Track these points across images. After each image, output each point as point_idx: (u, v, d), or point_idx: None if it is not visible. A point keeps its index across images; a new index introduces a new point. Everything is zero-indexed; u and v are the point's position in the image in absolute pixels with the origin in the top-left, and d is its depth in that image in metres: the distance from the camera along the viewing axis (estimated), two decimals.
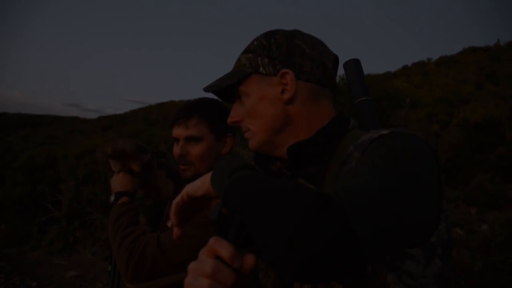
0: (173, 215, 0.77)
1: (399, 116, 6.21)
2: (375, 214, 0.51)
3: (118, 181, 1.34)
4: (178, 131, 1.30)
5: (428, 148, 0.67)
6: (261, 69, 0.84)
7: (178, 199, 0.77)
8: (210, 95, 0.97)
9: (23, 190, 6.63)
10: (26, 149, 10.49)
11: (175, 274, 1.13)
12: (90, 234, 5.75)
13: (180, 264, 1.11)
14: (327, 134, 0.81)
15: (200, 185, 0.75)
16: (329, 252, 0.46)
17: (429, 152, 0.66)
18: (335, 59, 0.89)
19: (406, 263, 0.66)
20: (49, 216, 6.04)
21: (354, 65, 1.00)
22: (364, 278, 0.67)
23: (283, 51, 0.84)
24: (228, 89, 0.89)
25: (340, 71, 0.94)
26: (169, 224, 1.32)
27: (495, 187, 4.84)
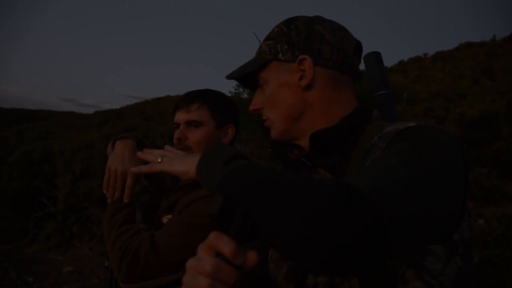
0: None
1: (396, 111, 6.22)
2: (403, 207, 0.50)
3: None
4: (179, 116, 1.29)
5: (455, 143, 0.65)
6: (280, 55, 0.83)
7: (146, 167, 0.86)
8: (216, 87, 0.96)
9: (19, 185, 6.60)
10: (21, 144, 10.43)
11: (169, 274, 1.10)
12: (87, 229, 5.74)
13: (174, 264, 1.09)
14: (351, 123, 0.79)
15: (184, 170, 0.77)
16: (359, 246, 0.44)
17: (456, 147, 0.65)
18: (357, 45, 0.86)
19: (426, 260, 0.65)
20: (45, 211, 6.03)
21: (374, 58, 0.99)
22: (382, 273, 0.66)
23: (302, 37, 0.82)
24: (250, 77, 0.88)
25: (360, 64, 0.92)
26: (164, 220, 1.30)
27: (491, 182, 4.86)
